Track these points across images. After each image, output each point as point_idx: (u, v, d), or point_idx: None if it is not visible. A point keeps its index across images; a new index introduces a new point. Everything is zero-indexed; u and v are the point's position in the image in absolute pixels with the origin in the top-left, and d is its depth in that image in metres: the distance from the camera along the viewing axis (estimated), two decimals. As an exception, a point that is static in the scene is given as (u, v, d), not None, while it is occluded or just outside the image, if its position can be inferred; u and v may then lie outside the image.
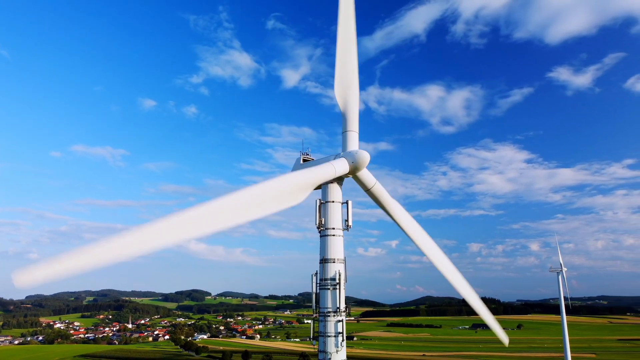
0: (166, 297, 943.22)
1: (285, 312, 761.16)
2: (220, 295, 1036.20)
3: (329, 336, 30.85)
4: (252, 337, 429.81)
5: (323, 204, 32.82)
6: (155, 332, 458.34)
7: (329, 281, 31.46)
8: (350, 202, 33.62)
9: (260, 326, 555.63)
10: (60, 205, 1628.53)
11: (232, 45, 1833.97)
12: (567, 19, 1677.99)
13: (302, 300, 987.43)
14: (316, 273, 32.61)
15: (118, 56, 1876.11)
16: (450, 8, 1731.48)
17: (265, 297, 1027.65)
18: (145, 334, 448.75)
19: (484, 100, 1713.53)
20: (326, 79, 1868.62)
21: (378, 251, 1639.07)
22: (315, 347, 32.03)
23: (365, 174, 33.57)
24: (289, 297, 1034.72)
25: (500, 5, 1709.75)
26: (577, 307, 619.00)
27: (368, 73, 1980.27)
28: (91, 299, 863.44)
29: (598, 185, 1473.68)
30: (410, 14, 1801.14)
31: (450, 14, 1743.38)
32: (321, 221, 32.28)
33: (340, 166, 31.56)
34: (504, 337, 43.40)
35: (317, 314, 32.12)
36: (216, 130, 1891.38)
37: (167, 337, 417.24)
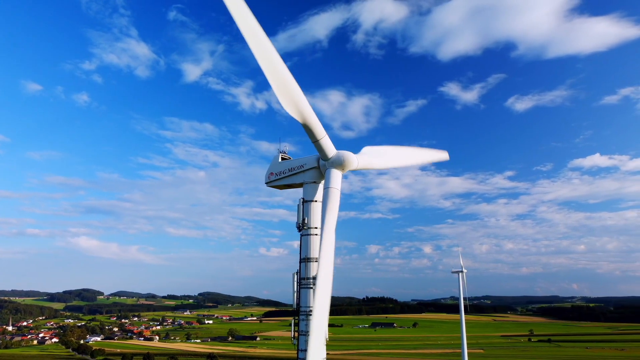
0: (52, 297, 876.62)
1: (185, 313, 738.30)
2: (114, 294, 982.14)
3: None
4: (150, 339, 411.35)
5: (305, 203, 32.98)
6: (41, 335, 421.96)
7: (311, 280, 31.65)
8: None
9: (159, 327, 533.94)
10: None
11: (128, 34, 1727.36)
12: (456, 39, 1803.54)
13: (202, 300, 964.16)
14: (297, 272, 32.65)
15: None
16: (352, 18, 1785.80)
17: (164, 297, 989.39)
18: (29, 337, 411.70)
19: (382, 108, 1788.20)
20: (228, 76, 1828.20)
21: (280, 251, 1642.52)
22: (295, 345, 32.04)
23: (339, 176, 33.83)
24: (189, 297, 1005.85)
25: (397, 20, 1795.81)
26: (465, 306, 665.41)
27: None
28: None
29: (483, 194, 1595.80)
30: (313, 19, 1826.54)
31: (351, 24, 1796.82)
32: (303, 220, 32.43)
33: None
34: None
35: (298, 313, 32.20)
36: (110, 121, 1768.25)
37: (55, 339, 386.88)
